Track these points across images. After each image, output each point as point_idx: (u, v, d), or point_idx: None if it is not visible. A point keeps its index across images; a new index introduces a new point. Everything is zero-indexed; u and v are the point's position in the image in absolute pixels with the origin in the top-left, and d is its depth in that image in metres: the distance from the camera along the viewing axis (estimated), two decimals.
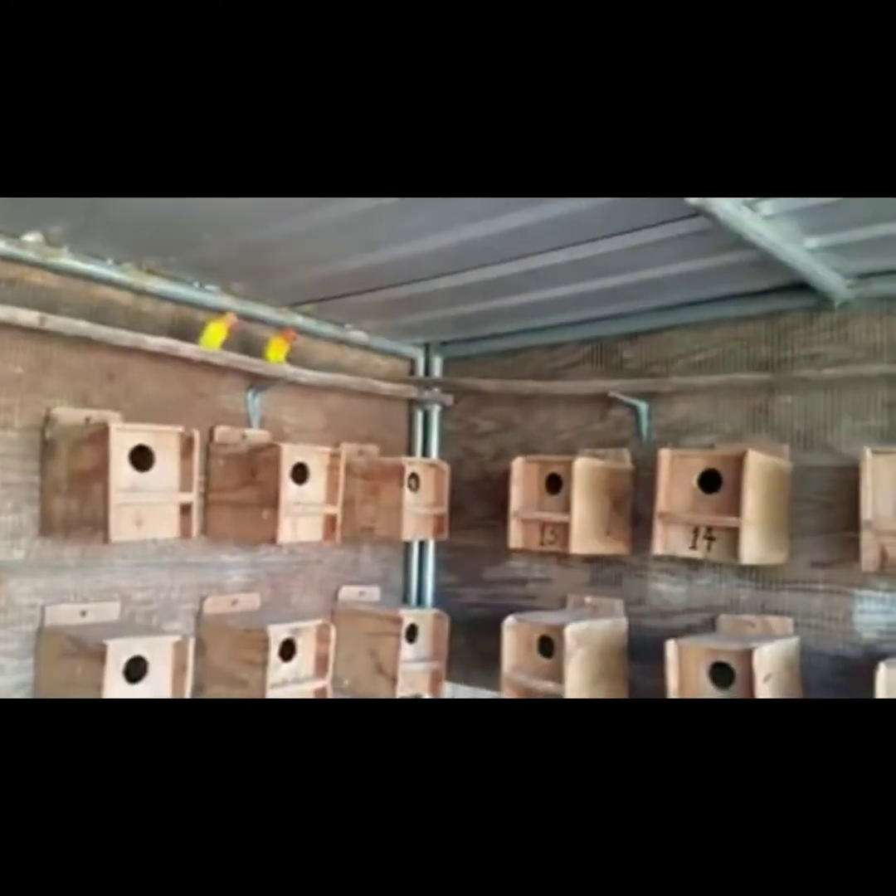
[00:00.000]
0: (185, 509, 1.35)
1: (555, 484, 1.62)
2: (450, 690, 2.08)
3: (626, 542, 1.66)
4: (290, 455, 1.50)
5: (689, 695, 1.37)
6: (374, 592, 2.01)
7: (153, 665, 1.32)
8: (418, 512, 1.83)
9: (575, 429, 1.85)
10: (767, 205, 1.12)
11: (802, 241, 1.24)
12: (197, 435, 1.36)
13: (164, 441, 1.35)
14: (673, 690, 1.36)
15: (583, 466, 1.57)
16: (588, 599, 1.76)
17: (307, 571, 1.87)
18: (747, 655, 1.28)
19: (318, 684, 1.56)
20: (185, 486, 1.34)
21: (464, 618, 1.95)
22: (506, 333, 1.95)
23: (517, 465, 1.65)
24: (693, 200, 1.01)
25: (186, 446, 1.35)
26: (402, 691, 1.76)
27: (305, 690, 1.55)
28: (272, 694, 1.46)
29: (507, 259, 1.41)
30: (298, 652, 1.55)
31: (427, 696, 1.88)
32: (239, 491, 1.56)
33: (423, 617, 1.87)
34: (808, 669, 1.42)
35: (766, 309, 1.52)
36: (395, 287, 1.63)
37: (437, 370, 2.13)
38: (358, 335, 1.97)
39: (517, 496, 1.64)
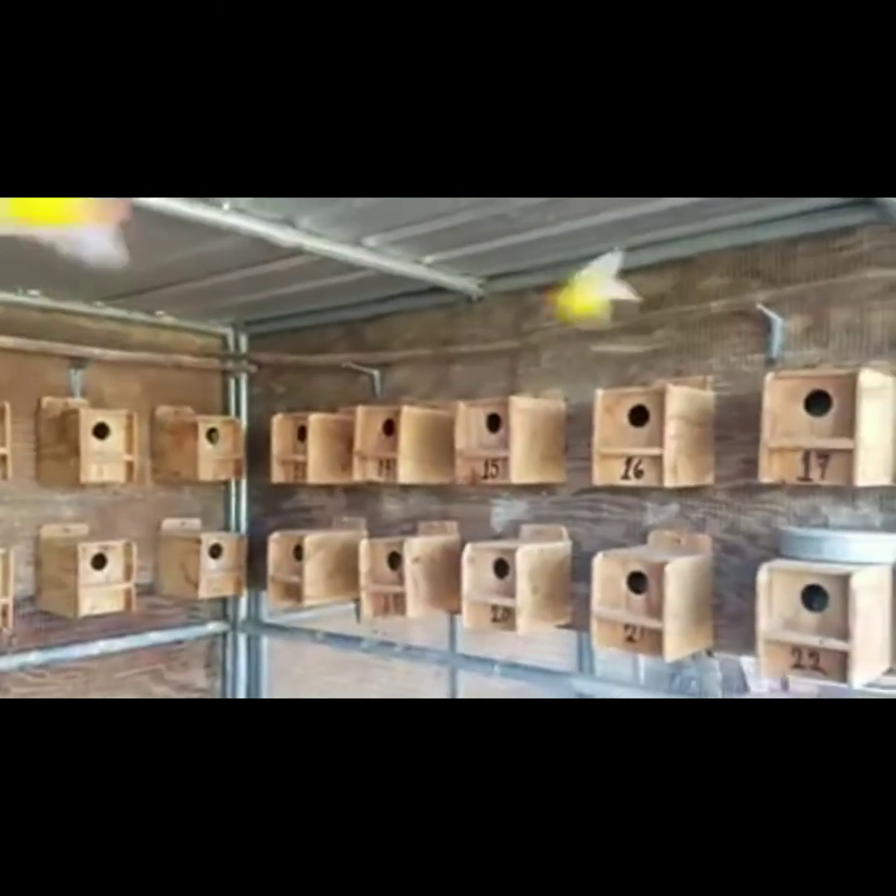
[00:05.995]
0: (2, 459, 1.87)
1: (303, 433, 2.18)
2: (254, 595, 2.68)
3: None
4: (89, 417, 2.02)
5: (376, 578, 1.96)
6: (194, 523, 2.56)
7: None
8: (215, 458, 2.37)
9: (338, 391, 2.40)
10: (372, 240, 1.66)
11: (422, 259, 1.79)
12: (8, 405, 1.88)
13: None
14: (364, 573, 1.96)
15: (316, 420, 2.13)
16: (345, 519, 2.35)
17: (131, 508, 2.41)
18: (402, 544, 1.88)
19: (125, 586, 2.12)
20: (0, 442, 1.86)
21: (268, 540, 2.52)
22: (291, 315, 2.48)
23: (276, 420, 2.20)
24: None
25: None
26: (205, 593, 2.34)
27: (116, 590, 2.11)
28: (84, 592, 2.01)
29: (269, 260, 1.88)
30: (109, 563, 2.10)
31: (230, 594, 2.47)
32: (56, 446, 2.08)
33: (226, 538, 2.44)
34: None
35: (441, 301, 2.07)
36: (190, 282, 2.13)
37: (244, 345, 2.65)
38: (168, 319, 2.47)
39: (276, 443, 2.20)
